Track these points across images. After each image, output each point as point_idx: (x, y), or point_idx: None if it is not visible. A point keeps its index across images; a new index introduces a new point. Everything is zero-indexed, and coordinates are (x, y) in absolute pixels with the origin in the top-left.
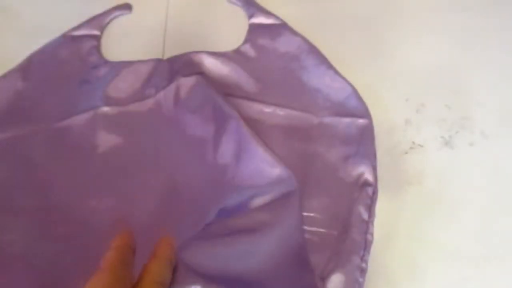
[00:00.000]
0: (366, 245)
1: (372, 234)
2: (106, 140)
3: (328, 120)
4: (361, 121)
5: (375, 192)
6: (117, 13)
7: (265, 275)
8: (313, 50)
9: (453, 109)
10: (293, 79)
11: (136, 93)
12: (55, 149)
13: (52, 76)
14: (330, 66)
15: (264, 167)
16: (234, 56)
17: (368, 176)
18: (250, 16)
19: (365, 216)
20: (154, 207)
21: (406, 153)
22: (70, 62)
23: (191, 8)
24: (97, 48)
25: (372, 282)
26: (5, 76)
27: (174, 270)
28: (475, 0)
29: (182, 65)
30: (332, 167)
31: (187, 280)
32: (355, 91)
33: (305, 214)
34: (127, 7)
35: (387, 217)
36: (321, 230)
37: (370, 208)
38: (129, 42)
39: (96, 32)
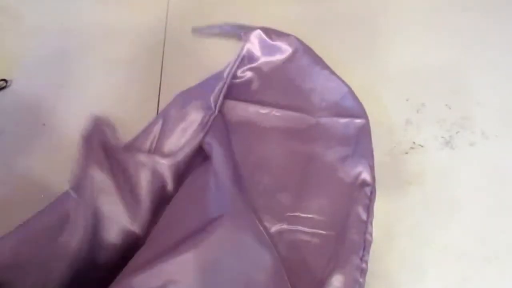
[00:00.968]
0: (365, 245)
1: (371, 234)
2: None
3: (324, 120)
4: (358, 121)
5: (373, 192)
6: None
7: None
8: (308, 51)
9: (453, 109)
10: (288, 79)
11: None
12: None
13: None
14: (325, 66)
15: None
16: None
17: (366, 176)
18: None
19: (363, 216)
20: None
21: (406, 153)
22: None
23: (191, 8)
24: None
25: (372, 282)
26: None
27: None
28: (475, 0)
29: None
30: (330, 167)
31: None
32: (350, 91)
33: (303, 215)
34: None
35: (387, 217)
36: (321, 231)
37: (369, 208)
38: (129, 42)
39: None
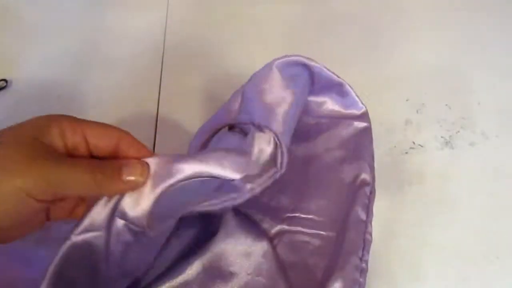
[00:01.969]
0: (365, 245)
1: (371, 234)
2: None
3: (325, 120)
4: (358, 120)
5: (372, 192)
6: None
7: None
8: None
9: (453, 109)
10: None
11: None
12: None
13: None
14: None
15: None
16: None
17: (366, 176)
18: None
19: (362, 216)
20: None
21: (406, 153)
22: None
23: (191, 8)
24: None
25: (372, 282)
26: None
27: None
28: (475, 0)
29: None
30: (330, 168)
31: None
32: (352, 90)
33: (303, 216)
34: None
35: (387, 217)
36: (322, 232)
37: (368, 208)
38: (130, 42)
39: None
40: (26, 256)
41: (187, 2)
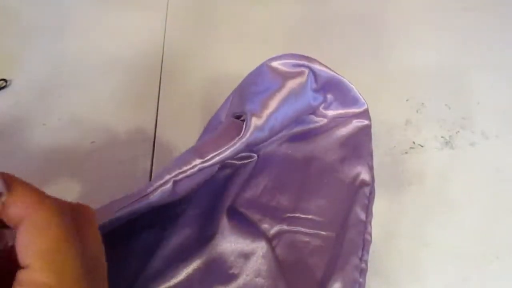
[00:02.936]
0: (364, 245)
1: (370, 234)
2: None
3: (325, 120)
4: (358, 118)
5: (372, 192)
6: None
7: None
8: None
9: (453, 109)
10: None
11: None
12: None
13: None
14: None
15: None
16: None
17: (365, 176)
18: None
19: (362, 216)
20: None
21: (406, 153)
22: None
23: (191, 8)
24: None
25: (372, 282)
26: None
27: None
28: (475, 0)
29: None
30: (330, 168)
31: None
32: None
33: (303, 216)
34: None
35: (387, 217)
36: (321, 232)
37: (368, 208)
38: (130, 42)
39: None
40: None
41: (187, 2)
